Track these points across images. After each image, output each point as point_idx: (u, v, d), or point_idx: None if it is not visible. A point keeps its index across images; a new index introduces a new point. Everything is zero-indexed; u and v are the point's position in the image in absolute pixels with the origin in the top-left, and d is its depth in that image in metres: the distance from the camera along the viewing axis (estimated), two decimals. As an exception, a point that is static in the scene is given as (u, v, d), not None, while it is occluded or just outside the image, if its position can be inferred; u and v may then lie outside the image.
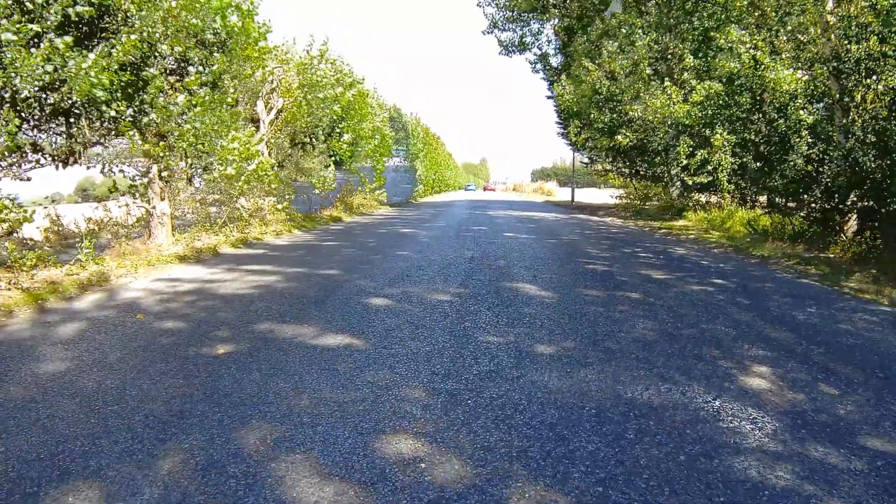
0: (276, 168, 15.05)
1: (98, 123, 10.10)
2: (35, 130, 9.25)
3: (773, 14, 10.68)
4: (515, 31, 27.36)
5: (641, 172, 18.54)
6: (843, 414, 3.41)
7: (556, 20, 24.64)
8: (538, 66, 28.90)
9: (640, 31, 16.47)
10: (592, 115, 17.84)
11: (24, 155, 9.01)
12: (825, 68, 10.01)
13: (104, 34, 9.11)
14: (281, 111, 16.75)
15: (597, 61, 18.09)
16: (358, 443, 2.95)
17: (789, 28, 10.61)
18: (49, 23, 7.90)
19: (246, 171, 11.51)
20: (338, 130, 19.79)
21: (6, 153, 7.89)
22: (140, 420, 3.19)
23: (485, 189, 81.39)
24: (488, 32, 27.61)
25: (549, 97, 32.07)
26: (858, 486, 2.68)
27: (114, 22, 9.01)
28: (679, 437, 3.08)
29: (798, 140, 9.93)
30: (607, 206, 23.80)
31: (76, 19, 8.15)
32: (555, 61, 28.27)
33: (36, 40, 7.87)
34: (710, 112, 13.03)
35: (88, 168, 10.12)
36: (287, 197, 14.84)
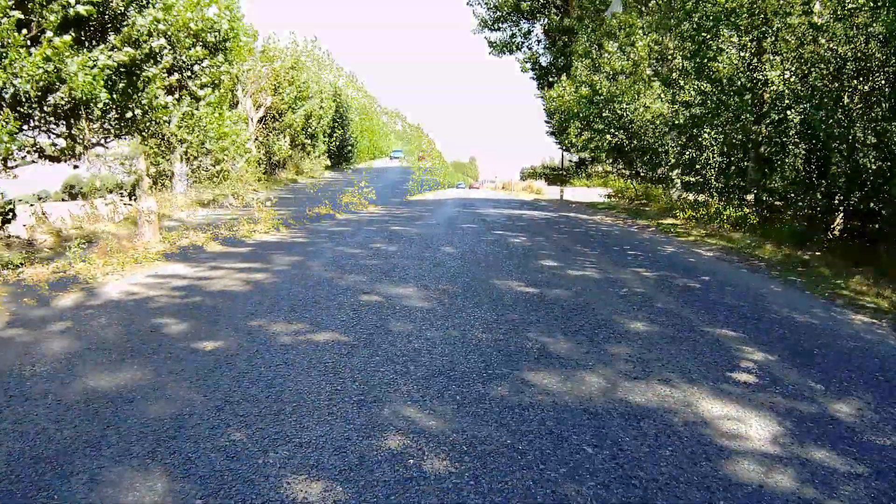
0: (262, 164, 15.40)
1: (98, 124, 10.09)
2: (35, 131, 9.25)
3: (764, 16, 10.67)
4: (505, 31, 27.72)
5: (641, 174, 18.58)
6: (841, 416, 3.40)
7: (546, 20, 24.77)
8: (528, 65, 29.14)
9: (640, 30, 16.47)
10: (583, 114, 17.84)
11: (27, 154, 9.03)
12: (816, 69, 10.02)
13: (102, 33, 9.10)
14: (270, 108, 16.89)
15: (584, 62, 18.18)
16: (349, 439, 2.93)
17: (776, 28, 10.60)
18: (49, 22, 7.88)
19: (235, 167, 11.82)
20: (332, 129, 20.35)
21: (6, 155, 7.91)
22: (133, 420, 3.17)
23: (470, 187, 69.91)
24: (478, 32, 27.92)
25: (538, 96, 32.13)
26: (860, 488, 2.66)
27: (105, 20, 8.99)
28: (676, 439, 3.07)
29: (785, 140, 9.95)
30: (596, 205, 22.82)
31: (75, 18, 8.13)
32: (544, 60, 28.51)
33: (30, 43, 7.85)
34: (698, 112, 13.06)
35: (88, 169, 10.18)
36: (274, 198, 15.23)
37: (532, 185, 70.81)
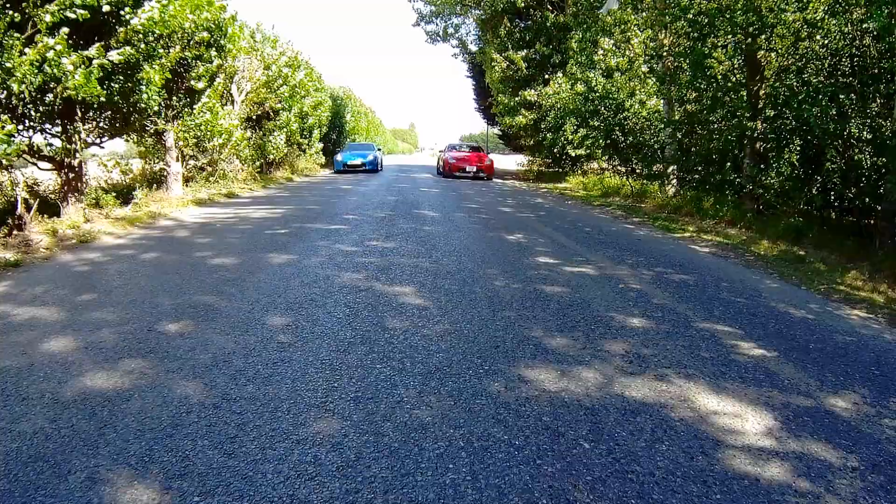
0: (250, 139, 20.54)
1: (93, 124, 10.09)
2: (30, 132, 9.24)
3: (759, 12, 10.68)
4: (438, 24, 32.37)
5: (637, 171, 18.80)
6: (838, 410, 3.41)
7: (479, 11, 28.90)
8: (458, 51, 35.17)
9: (635, 27, 16.45)
10: (579, 111, 18.00)
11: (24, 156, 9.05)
12: (811, 66, 10.06)
13: (98, 35, 9.09)
14: (250, 92, 20.12)
15: (580, 58, 18.44)
16: (346, 436, 2.94)
17: (771, 24, 10.59)
18: (44, 22, 7.86)
19: (230, 142, 16.46)
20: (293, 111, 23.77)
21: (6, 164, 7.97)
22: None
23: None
24: (416, 25, 32.28)
25: (467, 76, 41.81)
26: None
27: (100, 22, 8.97)
28: (673, 433, 3.08)
29: (781, 136, 10.05)
30: (515, 172, 32.19)
31: (73, 18, 8.11)
32: (473, 47, 34.16)
33: (26, 43, 7.83)
34: (693, 108, 13.28)
35: (90, 158, 10.27)
36: (256, 163, 21.19)
37: (465, 153, 76.30)
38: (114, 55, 8.70)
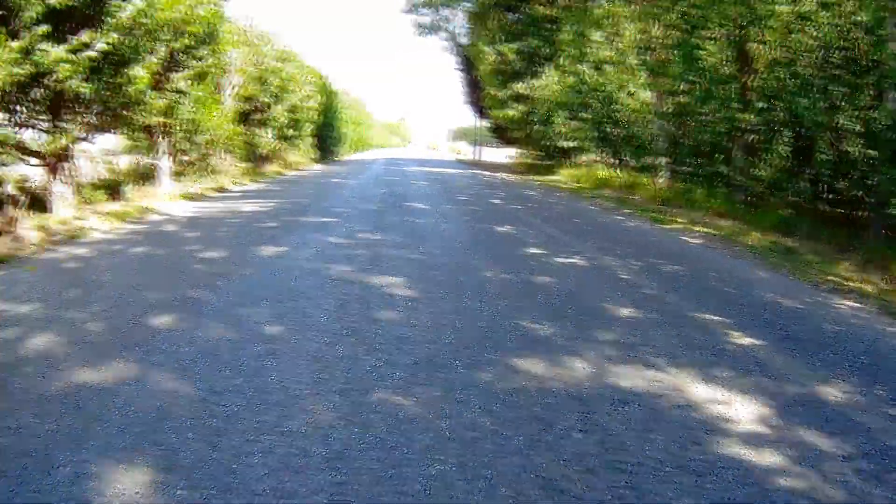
0: (240, 134, 19.92)
1: (81, 118, 9.99)
2: (18, 127, 9.13)
3: (750, 5, 10.67)
4: (428, 16, 32.66)
5: (630, 164, 18.86)
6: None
7: (469, 4, 29.38)
8: (449, 45, 35.59)
9: (625, 19, 16.45)
10: (569, 103, 18.00)
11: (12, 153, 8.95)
12: (801, 58, 10.07)
13: (87, 26, 8.97)
14: (240, 87, 19.84)
15: (571, 52, 18.50)
16: (334, 427, 2.91)
17: (762, 16, 10.59)
18: (30, 15, 7.75)
19: (220, 137, 16.30)
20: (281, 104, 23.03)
21: None
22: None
23: None
24: (407, 12, 32.53)
25: (457, 69, 40.24)
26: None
27: (85, 12, 8.85)
28: (664, 423, 3.06)
29: (772, 128, 10.07)
30: (506, 165, 32.16)
31: (55, 10, 7.99)
32: (464, 40, 34.27)
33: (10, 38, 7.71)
34: (684, 100, 13.28)
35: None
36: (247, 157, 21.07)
37: (455, 147, 73.59)
38: (100, 44, 8.56)
